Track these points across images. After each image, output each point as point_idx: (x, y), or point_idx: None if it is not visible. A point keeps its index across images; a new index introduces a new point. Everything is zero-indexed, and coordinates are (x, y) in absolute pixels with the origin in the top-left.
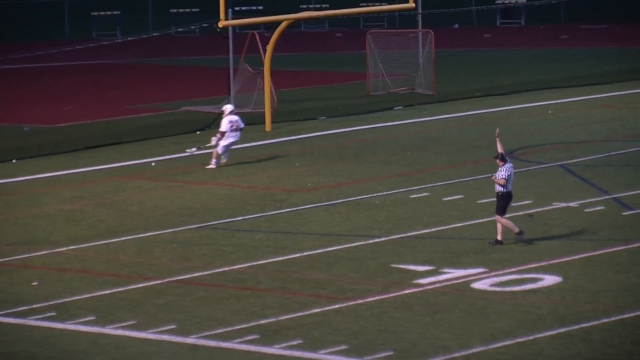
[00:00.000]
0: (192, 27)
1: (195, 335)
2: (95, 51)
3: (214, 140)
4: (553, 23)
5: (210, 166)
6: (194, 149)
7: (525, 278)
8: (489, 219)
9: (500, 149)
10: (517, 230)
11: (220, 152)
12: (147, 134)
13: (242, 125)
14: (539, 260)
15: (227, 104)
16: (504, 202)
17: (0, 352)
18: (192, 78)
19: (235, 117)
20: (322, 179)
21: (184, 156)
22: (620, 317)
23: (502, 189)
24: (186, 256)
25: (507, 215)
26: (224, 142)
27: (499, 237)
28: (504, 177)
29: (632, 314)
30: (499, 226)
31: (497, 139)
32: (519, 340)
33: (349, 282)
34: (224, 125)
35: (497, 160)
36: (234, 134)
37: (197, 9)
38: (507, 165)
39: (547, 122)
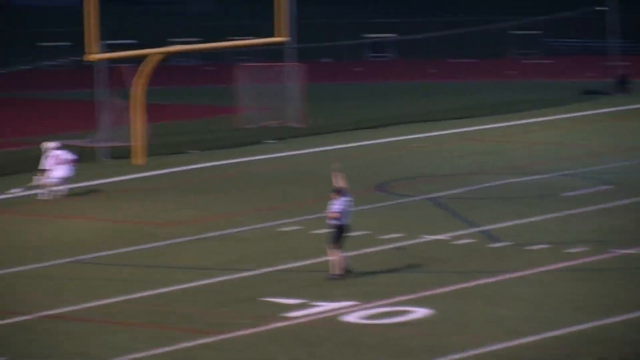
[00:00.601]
0: (62, 60)
1: None
2: None
3: (35, 180)
4: (423, 57)
5: (44, 196)
6: (18, 190)
7: (396, 311)
8: (358, 252)
9: (338, 183)
10: (337, 271)
11: (55, 185)
12: (14, 169)
13: (70, 157)
14: (409, 293)
15: (48, 142)
16: (337, 235)
17: None
18: (60, 111)
19: (59, 152)
20: (192, 212)
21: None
22: (489, 349)
23: (336, 222)
24: (57, 290)
25: (345, 251)
26: (56, 175)
27: (336, 271)
28: (337, 210)
29: (501, 346)
30: (332, 259)
31: (335, 173)
32: None
33: (219, 316)
34: (46, 162)
35: (332, 194)
36: (63, 167)
37: (69, 43)
38: (343, 199)
39: (416, 156)
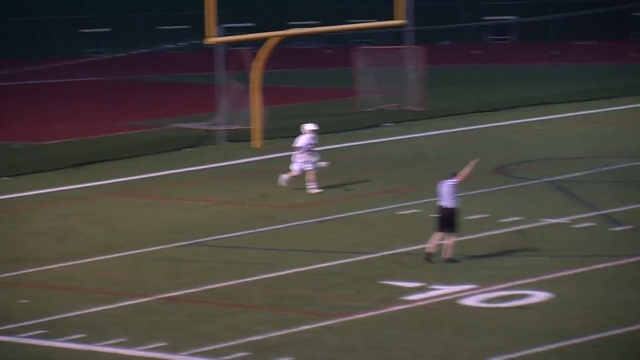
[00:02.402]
0: (182, 44)
1: (186, 353)
2: (83, 68)
3: (322, 164)
4: (544, 40)
5: (316, 190)
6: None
7: (515, 294)
8: (477, 235)
9: (464, 173)
10: (447, 255)
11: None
12: (136, 152)
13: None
14: (528, 277)
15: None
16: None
17: None
18: (181, 95)
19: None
20: (312, 195)
21: (174, 173)
22: (610, 333)
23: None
24: (176, 273)
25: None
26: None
27: (447, 255)
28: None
29: (622, 330)
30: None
31: (471, 165)
32: (509, 356)
33: (339, 299)
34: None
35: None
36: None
37: (188, 26)
38: (450, 182)
39: (537, 139)
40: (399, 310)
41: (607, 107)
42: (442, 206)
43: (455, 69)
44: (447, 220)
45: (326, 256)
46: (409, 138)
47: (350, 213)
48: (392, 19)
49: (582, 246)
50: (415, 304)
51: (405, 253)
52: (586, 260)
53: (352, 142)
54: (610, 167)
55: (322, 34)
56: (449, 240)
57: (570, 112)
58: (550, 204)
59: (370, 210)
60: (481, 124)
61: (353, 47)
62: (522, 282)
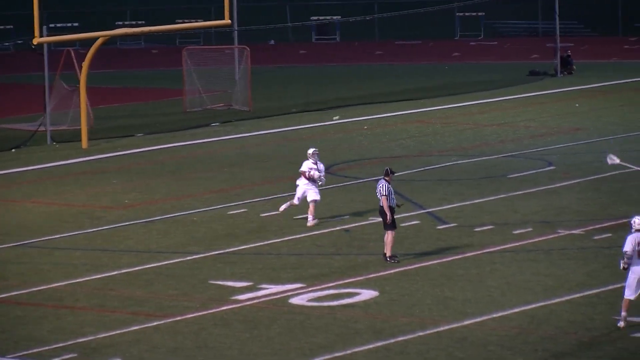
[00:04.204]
0: (7, 44)
1: (12, 355)
2: None
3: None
4: (368, 39)
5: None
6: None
7: (343, 293)
8: (306, 234)
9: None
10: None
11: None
12: None
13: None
14: (356, 275)
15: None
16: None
17: None
18: (7, 96)
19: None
20: (140, 195)
21: (2, 174)
22: (435, 330)
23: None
24: (2, 275)
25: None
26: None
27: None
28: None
29: (447, 327)
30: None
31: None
32: (337, 354)
33: (167, 299)
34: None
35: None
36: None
37: (11, 26)
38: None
39: (363, 138)
40: (228, 309)
41: (431, 107)
42: (390, 205)
43: (281, 68)
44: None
45: (154, 257)
46: (236, 138)
47: (179, 213)
48: (219, 19)
49: (409, 244)
50: (244, 304)
51: (234, 253)
52: (412, 259)
53: (181, 142)
54: (435, 166)
55: (149, 34)
56: (388, 236)
57: (395, 111)
58: (375, 203)
59: (198, 210)
60: (308, 123)
61: (180, 47)
62: (349, 280)
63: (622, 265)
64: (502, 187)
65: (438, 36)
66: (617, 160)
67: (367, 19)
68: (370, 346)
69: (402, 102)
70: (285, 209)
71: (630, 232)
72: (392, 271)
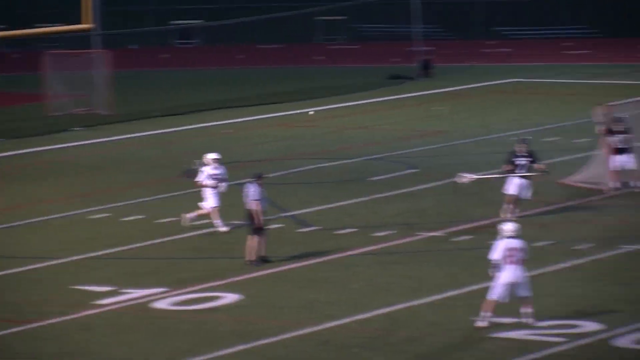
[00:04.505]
0: None
1: None
2: None
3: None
4: (229, 43)
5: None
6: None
7: (206, 297)
8: (169, 238)
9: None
10: (251, 257)
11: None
12: None
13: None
14: (219, 279)
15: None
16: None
17: None
18: None
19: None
20: (0, 200)
21: None
22: (299, 332)
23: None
24: None
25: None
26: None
27: (251, 257)
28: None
29: (311, 330)
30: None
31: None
32: (201, 358)
33: (29, 305)
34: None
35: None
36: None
37: None
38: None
39: (226, 141)
40: (91, 314)
41: (294, 110)
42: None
43: (143, 72)
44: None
45: (14, 262)
46: (98, 142)
47: (40, 218)
48: (79, 23)
49: (272, 247)
50: (107, 308)
51: (96, 258)
52: (276, 262)
53: (42, 147)
54: (298, 169)
55: (9, 37)
56: (254, 240)
57: (259, 114)
58: (240, 206)
59: (59, 215)
60: (170, 127)
61: (41, 51)
62: (213, 284)
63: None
64: (364, 190)
65: (301, 40)
66: (466, 179)
67: (229, 23)
68: (234, 349)
69: (266, 106)
70: (193, 218)
71: (500, 239)
72: (256, 274)
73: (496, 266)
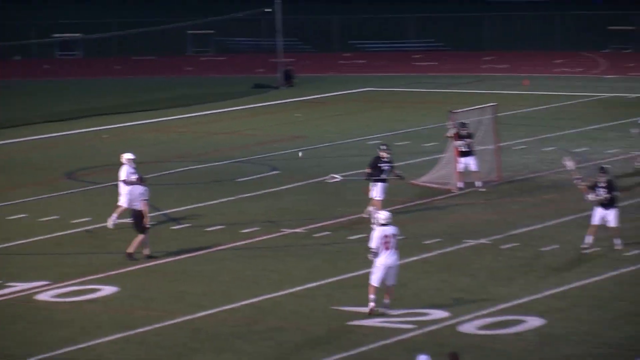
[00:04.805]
0: None
1: None
2: None
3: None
4: (108, 55)
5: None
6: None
7: (86, 289)
8: (50, 236)
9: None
10: (130, 249)
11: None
12: None
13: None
14: (97, 272)
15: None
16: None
17: None
18: None
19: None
20: None
21: None
22: (172, 322)
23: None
24: None
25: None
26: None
27: (130, 249)
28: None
29: (183, 319)
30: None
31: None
32: (81, 346)
33: None
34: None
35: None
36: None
37: None
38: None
39: (104, 146)
40: None
41: (167, 117)
42: (133, 209)
43: (27, 82)
44: (137, 221)
45: None
46: None
47: None
48: None
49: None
50: None
51: None
52: (151, 257)
53: None
54: (171, 171)
55: None
56: (139, 238)
57: (134, 120)
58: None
59: None
60: (51, 133)
61: None
62: (92, 277)
63: (371, 257)
64: (231, 190)
65: (173, 52)
66: (337, 179)
67: (107, 36)
68: (112, 337)
69: (141, 113)
70: (115, 220)
71: (375, 227)
72: (131, 268)
73: (375, 253)
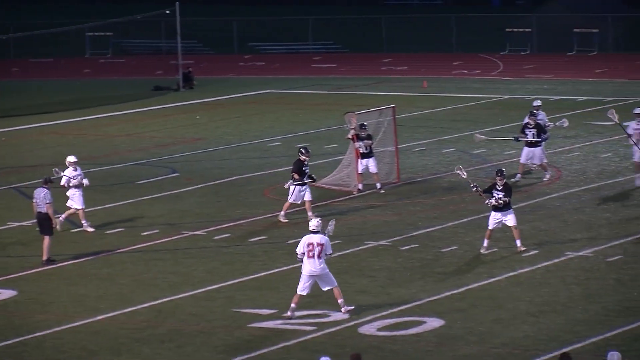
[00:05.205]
0: None
1: None
2: None
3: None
4: (5, 57)
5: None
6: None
7: None
8: None
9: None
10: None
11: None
12: None
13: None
14: None
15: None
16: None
17: None
18: None
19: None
20: None
21: None
22: (70, 325)
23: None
24: None
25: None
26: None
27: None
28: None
29: (81, 322)
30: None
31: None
32: None
33: None
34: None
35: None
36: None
37: None
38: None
39: (1, 148)
40: None
41: (65, 119)
42: (39, 211)
43: None
44: (43, 224)
45: None
46: None
47: None
48: None
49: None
50: None
51: None
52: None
53: None
54: None
55: None
56: (47, 241)
57: (31, 123)
58: (16, 208)
59: None
60: None
61: None
62: None
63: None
64: (130, 192)
65: (70, 54)
66: (288, 184)
67: (4, 38)
68: (9, 342)
69: (37, 115)
70: (62, 221)
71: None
72: (30, 272)
73: (300, 260)
